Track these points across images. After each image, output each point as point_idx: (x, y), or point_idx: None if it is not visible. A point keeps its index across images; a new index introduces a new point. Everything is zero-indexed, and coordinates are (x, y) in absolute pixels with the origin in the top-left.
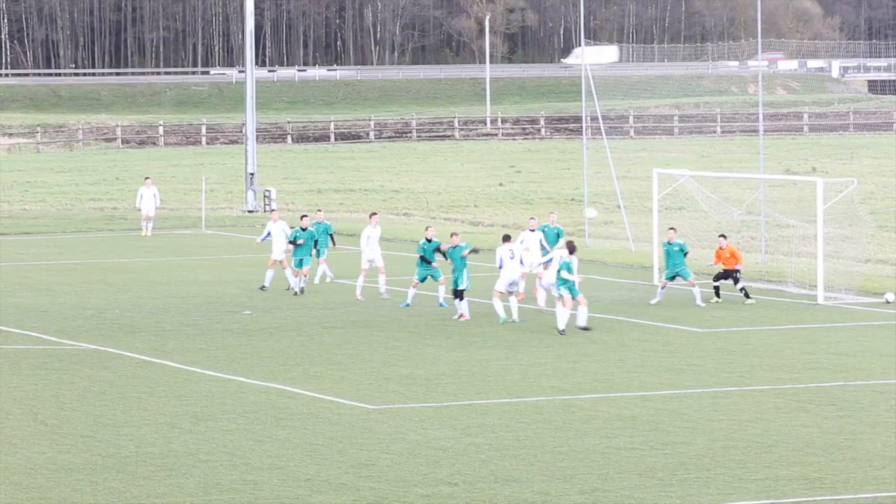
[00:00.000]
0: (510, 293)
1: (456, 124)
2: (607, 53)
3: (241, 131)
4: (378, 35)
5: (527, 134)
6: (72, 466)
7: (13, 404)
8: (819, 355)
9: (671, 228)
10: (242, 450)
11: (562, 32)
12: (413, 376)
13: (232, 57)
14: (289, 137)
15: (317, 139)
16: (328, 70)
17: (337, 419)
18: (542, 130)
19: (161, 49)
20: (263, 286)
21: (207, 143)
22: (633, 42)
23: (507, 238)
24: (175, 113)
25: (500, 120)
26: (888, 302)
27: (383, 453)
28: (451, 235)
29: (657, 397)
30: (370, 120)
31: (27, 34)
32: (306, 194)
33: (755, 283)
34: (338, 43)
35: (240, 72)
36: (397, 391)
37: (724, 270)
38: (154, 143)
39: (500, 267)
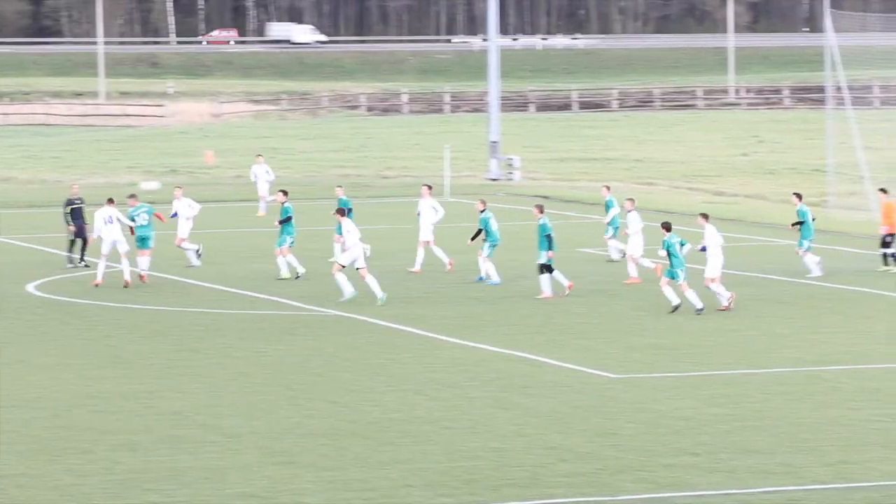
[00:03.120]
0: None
1: (699, 94)
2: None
3: (484, 100)
4: (621, 4)
5: (770, 104)
6: (318, 431)
7: (260, 369)
8: None
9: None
10: (486, 417)
11: (807, 0)
12: (657, 346)
13: (475, 25)
14: (532, 106)
15: (559, 108)
16: (571, 39)
17: (581, 388)
18: (786, 100)
19: (404, 17)
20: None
21: (450, 111)
22: (880, 11)
23: (341, 212)
24: (418, 81)
25: (743, 90)
26: None
27: (627, 422)
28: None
29: None
30: (613, 89)
31: (272, 2)
32: (548, 163)
33: None
34: (581, 12)
35: (483, 40)
36: (641, 360)
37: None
38: (398, 111)
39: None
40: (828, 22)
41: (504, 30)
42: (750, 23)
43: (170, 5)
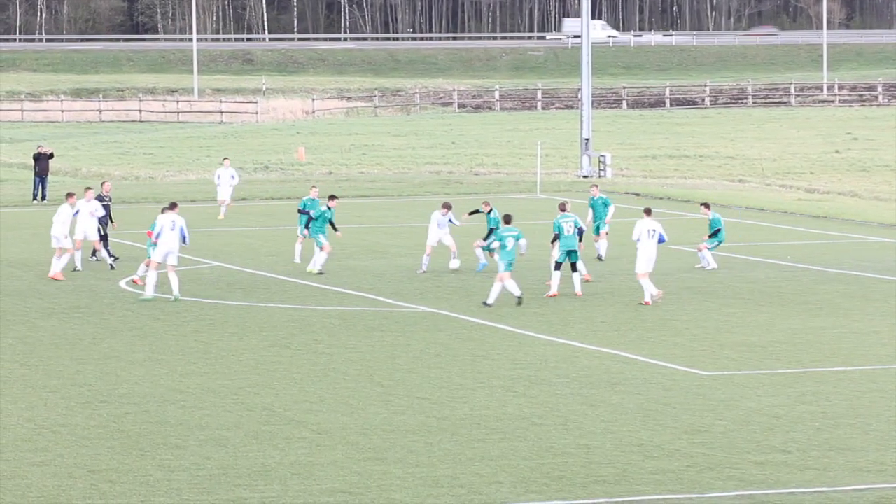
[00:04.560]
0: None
1: (792, 91)
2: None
3: (576, 96)
4: (714, 0)
5: (864, 101)
6: (407, 427)
7: (350, 365)
8: None
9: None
10: (576, 414)
11: None
12: (747, 343)
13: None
14: (624, 103)
15: (652, 105)
16: (664, 35)
17: (670, 385)
18: (880, 97)
19: (497, 13)
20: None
21: (543, 108)
22: None
23: (173, 206)
24: (511, 77)
25: (836, 86)
26: None
27: (717, 420)
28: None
29: None
30: (706, 86)
31: None
32: (640, 160)
33: None
34: (674, 8)
35: (576, 37)
36: (731, 358)
37: None
38: (490, 108)
39: (158, 236)
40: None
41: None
42: (844, 19)
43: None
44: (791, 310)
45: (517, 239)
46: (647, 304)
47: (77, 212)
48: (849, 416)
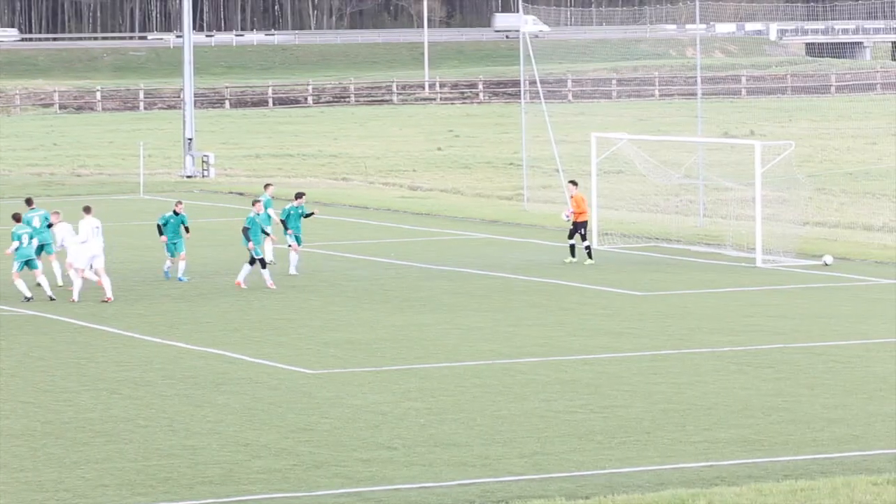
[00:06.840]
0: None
1: (394, 89)
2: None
3: (179, 96)
4: (316, 0)
5: (465, 98)
6: (10, 432)
7: None
8: (757, 318)
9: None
10: (181, 415)
11: None
12: (352, 341)
13: (169, 22)
14: (227, 102)
15: (255, 104)
16: (266, 34)
17: (276, 384)
18: (481, 95)
19: (98, 14)
20: None
21: (145, 109)
22: (571, 6)
23: (88, 209)
24: (113, 78)
25: (438, 84)
26: (826, 264)
27: (323, 418)
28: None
29: (596, 360)
30: (308, 85)
31: None
32: (244, 159)
33: (693, 246)
34: (276, 7)
35: (177, 37)
36: (336, 356)
37: (575, 224)
38: (92, 109)
39: (84, 241)
40: (521, 18)
41: (199, 26)
42: (444, 18)
43: None
44: (395, 307)
45: (31, 237)
46: (74, 301)
47: None
48: (453, 412)
